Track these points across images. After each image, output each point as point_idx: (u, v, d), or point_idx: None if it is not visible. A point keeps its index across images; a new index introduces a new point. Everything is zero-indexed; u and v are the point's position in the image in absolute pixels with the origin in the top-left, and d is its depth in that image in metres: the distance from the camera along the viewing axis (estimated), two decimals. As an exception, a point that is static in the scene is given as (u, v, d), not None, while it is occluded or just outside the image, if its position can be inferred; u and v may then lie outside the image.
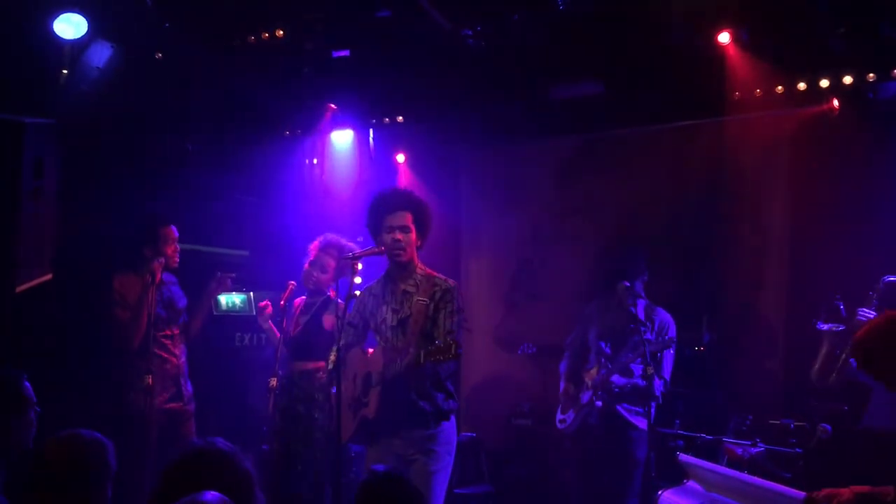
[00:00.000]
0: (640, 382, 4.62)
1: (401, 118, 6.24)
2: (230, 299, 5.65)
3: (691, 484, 3.53)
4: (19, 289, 3.70)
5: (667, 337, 4.75)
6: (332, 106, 6.16)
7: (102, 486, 2.42)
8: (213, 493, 1.75)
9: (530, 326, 6.25)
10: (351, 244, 4.61)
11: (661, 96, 5.33)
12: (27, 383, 2.74)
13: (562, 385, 5.06)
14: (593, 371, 4.88)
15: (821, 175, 5.20)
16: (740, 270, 5.59)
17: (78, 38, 4.55)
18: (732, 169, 5.56)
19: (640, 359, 4.51)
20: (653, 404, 4.44)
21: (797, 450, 4.38)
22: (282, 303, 4.61)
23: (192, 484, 1.79)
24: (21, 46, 4.44)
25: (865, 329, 2.93)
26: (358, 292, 3.98)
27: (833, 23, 4.64)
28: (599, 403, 4.77)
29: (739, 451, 4.48)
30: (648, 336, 4.59)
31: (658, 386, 4.68)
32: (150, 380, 4.41)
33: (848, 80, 4.93)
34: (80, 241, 4.84)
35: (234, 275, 4.93)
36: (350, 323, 3.84)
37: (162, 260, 4.62)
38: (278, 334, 4.57)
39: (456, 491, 5.54)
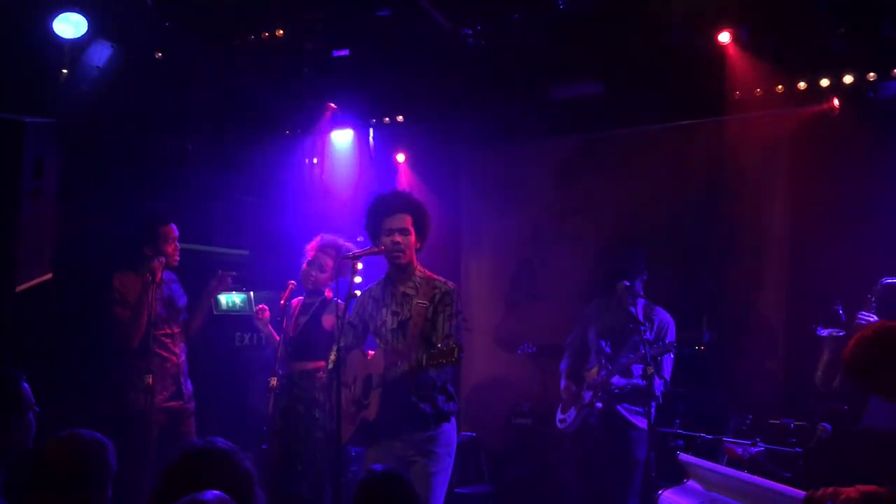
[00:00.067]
0: (641, 382, 4.62)
1: (401, 118, 6.24)
2: (230, 299, 5.65)
3: (691, 483, 3.53)
4: (19, 288, 3.69)
5: (667, 340, 4.76)
6: (332, 105, 6.16)
7: (102, 486, 2.42)
8: (213, 491, 1.74)
9: (530, 326, 6.25)
10: (348, 244, 4.61)
11: (661, 96, 5.33)
12: (26, 384, 2.73)
13: (563, 383, 5.06)
14: (594, 371, 4.89)
15: (821, 175, 5.20)
16: (740, 270, 5.59)
17: (78, 38, 4.55)
18: (732, 169, 5.56)
19: (640, 359, 4.51)
20: (653, 404, 4.44)
21: (797, 449, 4.39)
22: (282, 302, 4.61)
23: (193, 483, 1.79)
24: (21, 46, 4.44)
25: (853, 345, 2.84)
26: (358, 292, 3.98)
27: (833, 22, 4.64)
28: (600, 405, 4.77)
29: (739, 450, 4.48)
30: (648, 336, 4.59)
31: (658, 386, 4.68)
32: (151, 379, 4.41)
33: (848, 79, 4.93)
34: (80, 241, 4.84)
35: (234, 273, 4.93)
36: (350, 323, 3.84)
37: (162, 259, 4.62)
38: (277, 337, 4.57)
39: (456, 491, 5.53)
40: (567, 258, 6.18)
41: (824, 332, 4.27)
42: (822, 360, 4.17)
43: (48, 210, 3.97)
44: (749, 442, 4.48)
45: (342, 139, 6.57)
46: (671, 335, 4.82)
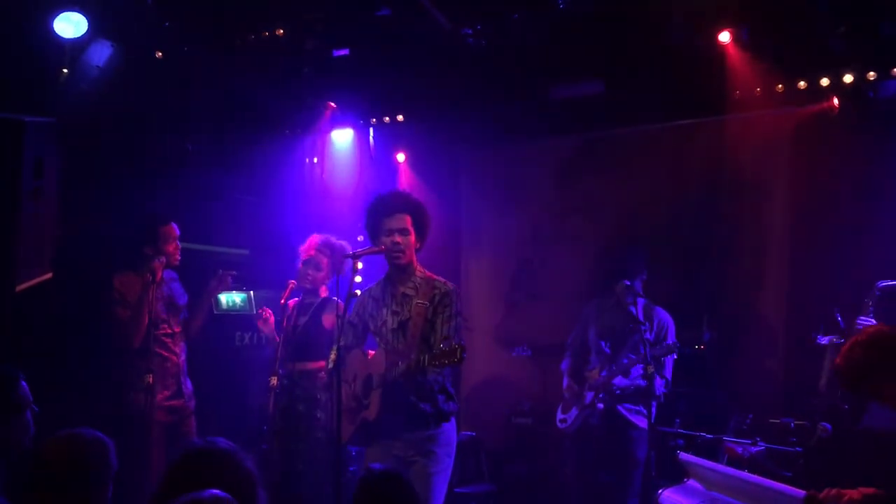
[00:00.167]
0: (642, 382, 4.62)
1: (401, 117, 6.24)
2: (230, 298, 5.65)
3: (691, 483, 3.53)
4: (19, 288, 3.69)
5: (668, 341, 4.77)
6: (332, 104, 6.16)
7: (103, 486, 2.42)
8: (212, 490, 1.74)
9: (530, 326, 6.26)
10: (342, 242, 4.63)
11: (661, 96, 5.33)
12: (24, 383, 2.73)
13: (565, 382, 5.06)
14: (594, 372, 4.89)
15: (821, 174, 5.21)
16: (740, 270, 5.59)
17: (78, 37, 4.54)
18: (732, 168, 5.56)
19: (641, 359, 4.52)
20: (653, 403, 4.44)
21: (797, 448, 4.39)
22: (282, 301, 4.61)
23: (194, 483, 1.79)
24: (21, 45, 4.43)
25: (847, 350, 2.80)
26: (358, 292, 3.98)
27: (833, 22, 4.64)
28: (601, 405, 4.77)
29: (740, 449, 4.49)
30: (648, 336, 4.59)
31: (659, 385, 4.69)
32: (151, 378, 4.41)
33: (848, 78, 4.94)
34: (80, 241, 4.84)
35: (234, 273, 4.93)
36: (350, 323, 3.84)
37: (163, 259, 4.62)
38: (277, 338, 4.57)
39: (456, 490, 5.54)
40: (567, 258, 6.19)
41: (824, 340, 4.29)
42: (824, 367, 4.18)
43: (48, 210, 3.97)
44: (749, 441, 4.48)
45: (342, 139, 6.57)
46: (671, 335, 4.82)
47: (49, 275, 4.22)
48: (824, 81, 5.02)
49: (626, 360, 4.71)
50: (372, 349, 3.84)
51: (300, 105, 6.15)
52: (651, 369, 4.36)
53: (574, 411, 4.93)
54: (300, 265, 4.62)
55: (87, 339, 4.77)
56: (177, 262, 4.78)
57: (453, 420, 3.74)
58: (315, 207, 6.38)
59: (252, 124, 6.05)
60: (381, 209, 3.74)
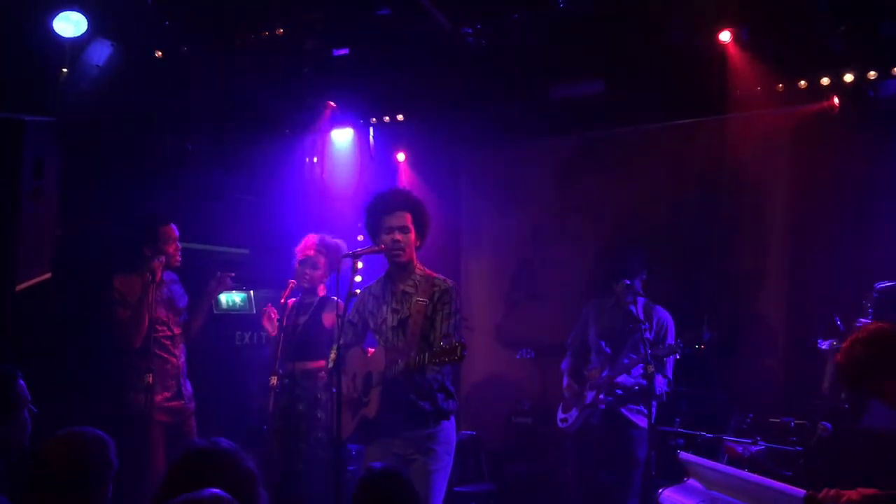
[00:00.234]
0: (644, 382, 4.62)
1: (401, 117, 6.24)
2: (230, 298, 5.64)
3: (692, 482, 3.53)
4: (19, 287, 3.68)
5: (668, 340, 4.78)
6: (331, 104, 6.16)
7: (103, 485, 2.41)
8: (210, 490, 1.74)
9: (530, 326, 6.26)
10: (337, 240, 4.64)
11: (661, 95, 5.33)
12: (21, 381, 2.72)
13: (565, 381, 5.07)
14: (596, 371, 4.89)
15: (821, 173, 5.21)
16: (740, 270, 5.59)
17: (78, 37, 4.54)
18: (732, 168, 5.56)
19: (641, 360, 4.52)
20: (654, 402, 4.44)
21: (797, 448, 4.39)
22: (282, 301, 4.61)
23: (195, 483, 1.79)
24: (21, 45, 4.43)
25: (847, 347, 2.79)
26: (357, 291, 3.98)
27: (833, 21, 4.64)
28: (603, 405, 4.77)
29: (740, 449, 4.49)
30: (648, 335, 4.59)
31: (662, 384, 4.69)
32: (151, 378, 4.41)
33: (848, 78, 4.93)
34: (80, 241, 4.83)
35: (233, 274, 4.93)
36: (350, 321, 3.84)
37: (163, 258, 4.62)
38: (272, 334, 4.57)
39: (456, 489, 5.54)
40: (567, 258, 6.18)
41: (824, 345, 4.30)
42: (827, 371, 4.19)
43: (48, 210, 3.96)
44: (749, 441, 4.48)
45: (342, 138, 6.56)
46: (671, 333, 4.82)
47: (49, 275, 4.22)
48: (824, 81, 5.01)
49: (626, 360, 4.71)
50: (372, 347, 3.85)
51: (300, 105, 6.14)
52: (651, 369, 4.37)
53: (575, 411, 4.93)
54: (297, 265, 4.63)
55: (87, 339, 4.77)
56: (177, 264, 4.78)
57: (453, 418, 3.74)
58: (315, 207, 6.37)
59: (252, 124, 6.05)
60: (381, 207, 3.74)
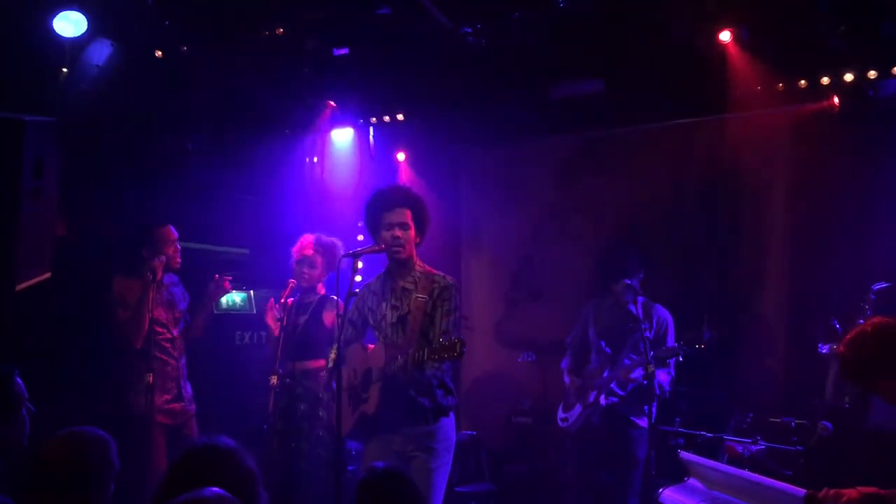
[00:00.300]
0: (646, 382, 4.63)
1: (401, 116, 6.24)
2: (230, 298, 5.64)
3: (692, 482, 3.53)
4: (19, 287, 3.68)
5: (668, 337, 4.78)
6: (331, 103, 6.16)
7: (105, 485, 2.41)
8: (212, 489, 1.74)
9: (530, 326, 6.26)
10: (333, 239, 4.66)
11: (661, 95, 5.33)
12: (19, 379, 2.72)
13: (566, 379, 5.06)
14: (597, 371, 4.89)
15: (821, 172, 5.21)
16: (740, 270, 5.59)
17: (78, 37, 4.54)
18: (732, 167, 5.56)
19: (641, 362, 4.52)
20: (654, 402, 4.44)
21: (798, 447, 4.40)
22: (282, 300, 4.62)
23: (196, 482, 1.79)
24: (21, 45, 4.42)
25: (850, 340, 2.78)
26: (357, 291, 3.98)
27: (833, 21, 4.64)
28: (604, 403, 4.76)
29: (740, 448, 4.49)
30: (647, 335, 4.59)
31: (665, 379, 4.69)
32: (151, 378, 4.40)
33: (848, 77, 4.93)
34: (80, 242, 4.83)
35: (230, 277, 4.92)
36: (350, 320, 3.84)
37: (163, 258, 4.62)
38: (275, 334, 4.57)
39: (456, 489, 5.54)
40: (567, 257, 6.18)
41: (824, 349, 4.30)
42: (829, 375, 4.20)
43: (48, 210, 3.96)
44: (750, 440, 4.49)
45: (342, 138, 6.56)
46: (671, 331, 4.83)
47: (49, 275, 4.22)
48: (824, 80, 5.02)
49: (627, 361, 4.70)
50: (371, 343, 3.85)
51: (300, 104, 6.14)
52: (651, 368, 4.37)
53: (577, 409, 4.92)
54: (294, 265, 4.65)
55: (87, 339, 4.77)
56: (177, 265, 4.77)
57: (452, 415, 3.74)
58: (315, 207, 6.37)
59: (252, 124, 6.05)
60: (380, 203, 3.75)
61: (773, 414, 4.74)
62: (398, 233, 3.67)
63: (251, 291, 5.68)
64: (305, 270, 4.61)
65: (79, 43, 4.64)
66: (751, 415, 4.74)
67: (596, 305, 5.11)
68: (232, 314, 5.64)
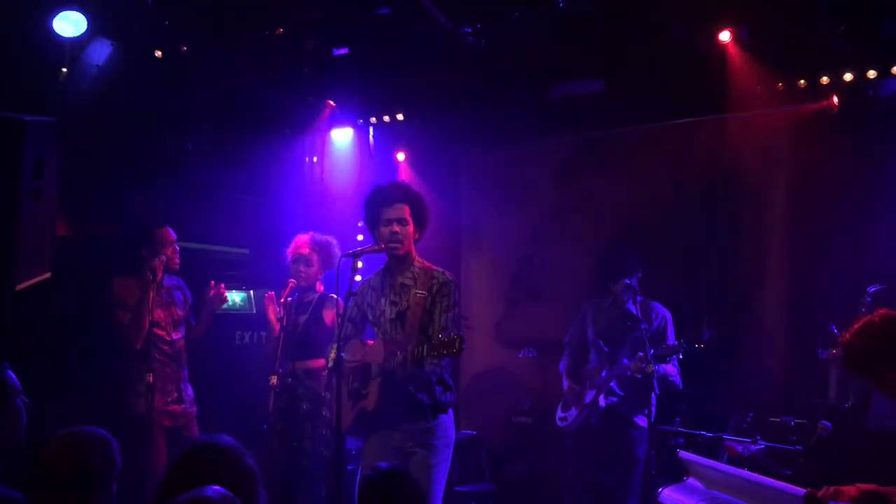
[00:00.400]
0: (640, 377, 4.63)
1: (401, 116, 6.24)
2: (230, 298, 5.65)
3: (692, 481, 3.53)
4: (19, 287, 3.68)
5: (667, 334, 4.78)
6: (331, 103, 6.16)
7: (107, 485, 2.41)
8: (215, 487, 1.74)
9: (530, 325, 6.26)
10: (327, 237, 4.68)
11: (661, 95, 5.33)
12: (10, 372, 2.72)
13: (565, 384, 5.06)
14: (596, 371, 4.89)
15: (821, 172, 5.21)
16: (740, 270, 5.59)
17: (77, 37, 4.54)
18: (732, 167, 5.56)
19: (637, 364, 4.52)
20: (654, 401, 4.44)
21: (797, 447, 4.40)
22: (282, 300, 4.62)
23: (196, 481, 1.79)
24: (21, 45, 4.42)
25: (855, 332, 2.75)
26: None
27: (833, 21, 4.65)
28: (603, 403, 4.76)
29: (740, 448, 4.49)
30: (646, 335, 4.59)
31: (673, 372, 4.69)
32: (151, 378, 4.41)
33: (848, 77, 4.93)
34: (80, 242, 4.83)
35: (224, 285, 4.92)
36: (349, 317, 3.84)
37: (163, 258, 4.62)
38: (276, 333, 4.57)
39: (456, 489, 5.54)
40: (567, 257, 6.18)
41: (824, 355, 4.30)
42: (831, 379, 4.21)
43: (48, 210, 3.96)
44: (749, 440, 4.48)
45: (342, 138, 6.57)
46: (670, 329, 4.83)
47: (49, 275, 4.22)
48: (824, 80, 5.02)
49: (626, 360, 4.70)
50: (370, 339, 3.85)
51: (300, 104, 6.14)
52: (651, 368, 4.37)
53: (574, 410, 4.93)
54: (291, 265, 4.66)
55: (87, 339, 4.77)
56: (176, 266, 4.77)
57: (451, 411, 3.75)
58: (315, 207, 6.38)
59: (252, 124, 6.05)
60: (379, 199, 3.76)
61: (772, 414, 4.74)
62: (396, 228, 3.68)
63: (251, 291, 5.69)
64: (302, 269, 4.63)
65: (79, 43, 4.64)
66: (751, 414, 4.74)
67: (595, 305, 5.11)
68: (232, 314, 5.64)
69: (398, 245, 3.69)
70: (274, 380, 4.44)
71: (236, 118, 5.90)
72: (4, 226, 3.53)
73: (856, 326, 2.76)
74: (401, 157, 6.63)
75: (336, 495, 3.58)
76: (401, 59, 5.39)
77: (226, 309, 5.64)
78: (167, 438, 4.62)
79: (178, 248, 4.77)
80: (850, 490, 2.62)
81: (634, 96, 5.45)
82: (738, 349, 5.42)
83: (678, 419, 4.96)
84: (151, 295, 4.50)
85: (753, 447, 4.44)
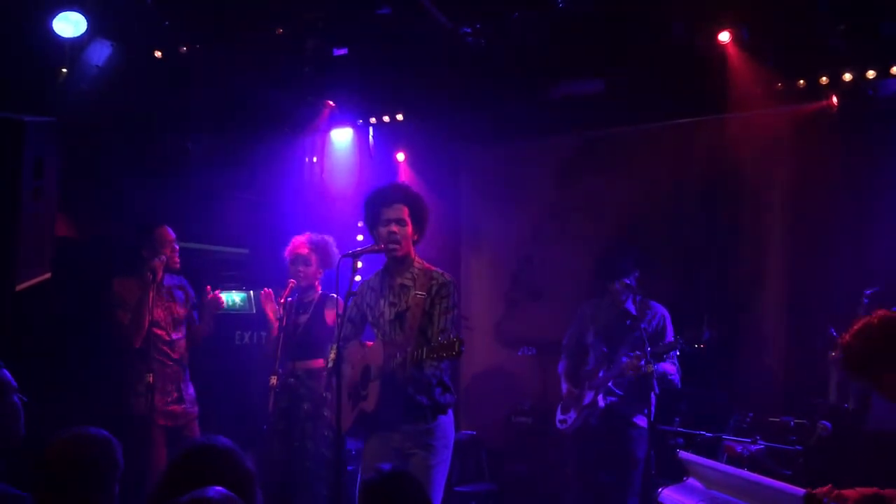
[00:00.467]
0: (632, 374, 4.63)
1: (401, 116, 6.24)
2: (230, 298, 5.65)
3: (691, 481, 3.53)
4: (19, 287, 3.69)
5: (666, 332, 4.78)
6: (330, 103, 6.16)
7: (110, 485, 2.41)
8: (217, 488, 1.74)
9: (531, 325, 6.26)
10: (324, 236, 4.69)
11: (661, 95, 5.33)
12: (5, 370, 2.72)
13: (564, 387, 5.06)
14: (593, 372, 4.89)
15: (821, 172, 5.21)
16: (740, 270, 5.59)
17: (77, 37, 4.54)
18: (732, 167, 5.56)
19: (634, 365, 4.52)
20: (653, 401, 4.44)
21: (797, 447, 4.40)
22: (282, 300, 4.62)
23: (194, 482, 1.79)
24: (21, 45, 4.43)
25: (855, 333, 2.74)
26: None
27: (833, 21, 4.64)
28: (603, 403, 4.76)
29: (739, 448, 4.49)
30: (645, 334, 4.59)
31: (672, 370, 4.69)
32: (151, 378, 4.41)
33: (848, 77, 4.93)
34: (80, 242, 4.84)
35: (220, 290, 4.92)
36: (349, 318, 3.84)
37: (163, 258, 4.63)
38: (275, 332, 4.58)
39: (456, 489, 5.54)
40: (567, 257, 6.18)
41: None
42: (831, 381, 4.21)
43: (48, 210, 3.96)
44: (749, 440, 4.48)
45: (342, 138, 6.56)
46: (669, 327, 4.83)
47: (49, 275, 4.23)
48: (823, 80, 5.01)
49: (624, 359, 4.70)
50: (370, 340, 3.85)
51: (300, 104, 6.15)
52: (651, 367, 4.37)
53: (573, 413, 4.93)
54: (289, 265, 4.66)
55: (87, 339, 4.77)
56: (176, 265, 4.78)
57: (450, 413, 3.75)
58: (315, 207, 6.38)
59: (252, 124, 6.05)
60: (378, 200, 3.77)
61: (772, 414, 4.74)
62: (394, 228, 3.68)
63: (251, 291, 5.69)
64: (301, 269, 4.63)
65: (78, 43, 4.64)
66: (750, 414, 4.74)
67: (594, 305, 5.11)
68: (232, 314, 5.65)
69: (396, 246, 3.69)
70: (274, 380, 4.44)
71: (236, 118, 5.91)
72: (4, 226, 3.53)
73: (854, 328, 2.76)
74: (400, 157, 6.63)
75: (336, 495, 3.58)
76: (401, 59, 5.39)
77: (226, 309, 5.65)
78: (167, 438, 4.62)
79: (177, 247, 4.77)
80: (851, 493, 2.62)
81: (634, 96, 5.45)
82: (738, 349, 5.42)
83: (678, 419, 4.96)
84: (151, 295, 4.51)
85: (753, 447, 4.44)
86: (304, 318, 4.63)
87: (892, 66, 4.83)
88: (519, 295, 6.49)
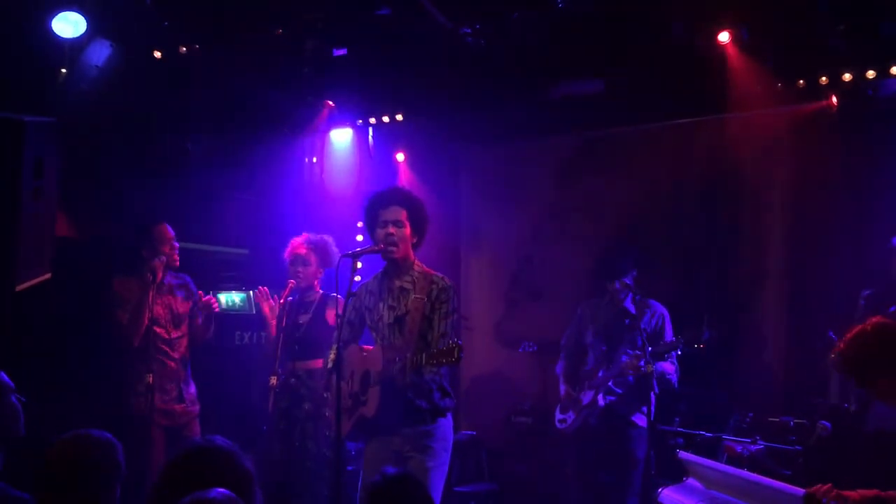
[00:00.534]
0: (631, 374, 4.63)
1: (400, 116, 6.24)
2: (230, 298, 5.65)
3: (691, 481, 3.53)
4: (19, 288, 3.69)
5: (665, 331, 4.79)
6: (330, 103, 6.16)
7: (112, 487, 2.41)
8: (219, 489, 1.74)
9: (530, 325, 6.26)
10: (323, 236, 4.69)
11: (661, 95, 5.33)
12: (1, 372, 2.72)
13: (562, 389, 5.06)
14: (592, 372, 4.89)
15: (821, 172, 5.21)
16: (740, 270, 5.59)
17: (77, 37, 4.54)
18: (732, 167, 5.56)
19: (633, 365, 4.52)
20: (653, 400, 4.44)
21: (797, 447, 4.40)
22: (281, 301, 4.62)
23: (193, 482, 1.79)
24: (21, 45, 4.43)
25: (850, 339, 2.76)
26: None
27: (833, 21, 4.65)
28: (602, 403, 4.76)
29: (739, 448, 4.49)
30: (644, 333, 4.59)
31: (670, 369, 4.69)
32: (151, 378, 4.41)
33: (847, 77, 4.93)
34: (80, 242, 4.84)
35: (213, 297, 4.92)
36: (348, 321, 3.84)
37: (163, 258, 4.63)
38: (273, 332, 4.58)
39: (456, 489, 5.54)
40: (567, 257, 6.18)
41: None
42: (833, 382, 4.22)
43: (48, 210, 3.96)
44: (749, 440, 4.49)
45: (342, 138, 6.56)
46: (668, 326, 4.83)
47: (49, 275, 4.23)
48: (823, 80, 5.02)
49: (624, 358, 4.70)
50: (368, 343, 3.85)
51: (300, 105, 6.15)
52: (651, 367, 4.37)
53: (572, 413, 4.93)
54: (289, 266, 4.66)
55: (87, 339, 4.77)
56: (176, 264, 4.78)
57: (450, 416, 3.75)
58: (314, 207, 6.38)
59: (252, 124, 6.05)
60: (377, 202, 3.77)
61: (772, 414, 4.75)
62: (392, 230, 3.68)
63: (251, 292, 5.69)
64: (300, 269, 4.63)
65: (78, 43, 4.64)
66: (750, 414, 4.74)
67: (593, 305, 5.11)
68: (232, 314, 5.65)
69: (393, 248, 3.69)
70: (274, 380, 4.44)
71: (236, 118, 5.91)
72: (4, 226, 3.53)
73: (849, 334, 2.79)
74: (400, 157, 6.63)
75: (336, 495, 3.58)
76: (401, 59, 5.39)
77: (225, 309, 5.65)
78: (167, 438, 4.61)
79: (176, 245, 4.77)
80: (852, 495, 2.62)
81: (634, 96, 5.45)
82: (738, 349, 5.42)
83: (678, 419, 4.96)
84: (151, 294, 4.50)
85: (753, 447, 4.44)
86: (304, 319, 4.62)
87: (891, 66, 4.83)
88: (519, 295, 6.49)
